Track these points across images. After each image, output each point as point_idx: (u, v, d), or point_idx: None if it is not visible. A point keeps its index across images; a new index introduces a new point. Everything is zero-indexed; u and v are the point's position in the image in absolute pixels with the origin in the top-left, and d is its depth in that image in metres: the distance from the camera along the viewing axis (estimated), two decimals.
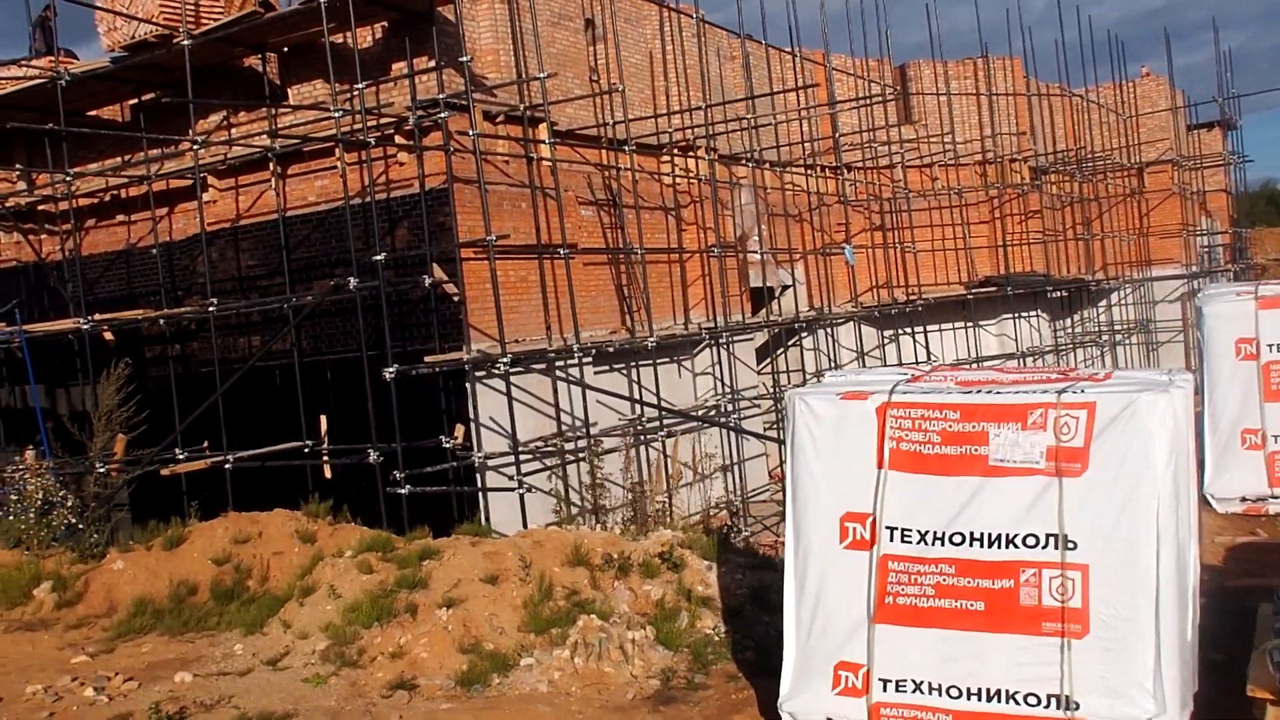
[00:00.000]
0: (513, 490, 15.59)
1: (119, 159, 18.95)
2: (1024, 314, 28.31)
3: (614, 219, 19.01)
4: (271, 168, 16.85)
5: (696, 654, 8.04)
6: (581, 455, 16.82)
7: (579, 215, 18.09)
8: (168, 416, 16.98)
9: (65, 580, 8.57)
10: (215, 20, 16.07)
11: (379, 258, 14.62)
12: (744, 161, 22.34)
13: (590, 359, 17.03)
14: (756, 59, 22.97)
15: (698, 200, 20.99)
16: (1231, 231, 37.78)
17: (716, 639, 8.35)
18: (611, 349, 17.65)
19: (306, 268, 16.81)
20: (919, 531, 6.58)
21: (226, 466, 15.60)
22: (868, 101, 24.52)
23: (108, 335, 18.61)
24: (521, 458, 16.15)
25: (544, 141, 16.89)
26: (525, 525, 15.67)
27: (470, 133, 15.09)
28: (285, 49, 17.08)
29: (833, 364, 24.53)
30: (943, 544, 6.52)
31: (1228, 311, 12.11)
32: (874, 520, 6.66)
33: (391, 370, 14.44)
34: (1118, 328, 32.45)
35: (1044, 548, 6.30)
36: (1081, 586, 6.22)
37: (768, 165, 22.54)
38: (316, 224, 16.71)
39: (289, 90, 17.22)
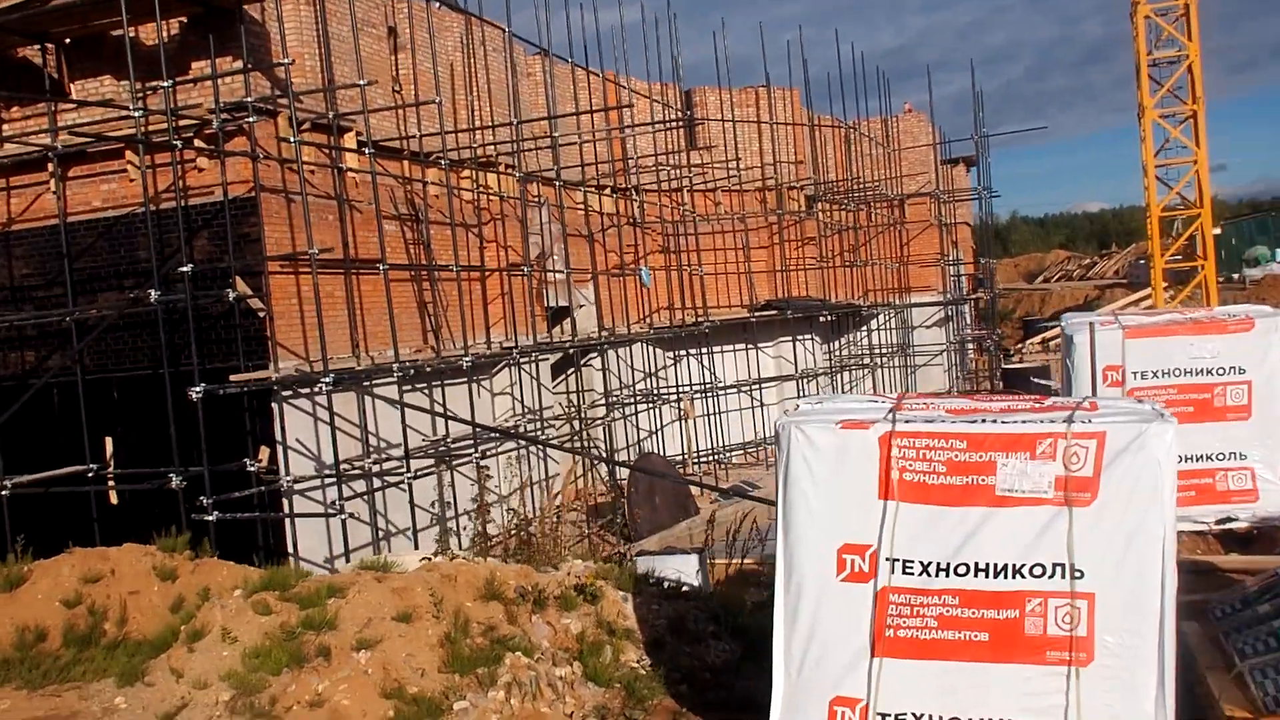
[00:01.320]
0: (323, 516, 14.89)
1: None
2: (799, 337, 29.24)
3: (417, 234, 18.47)
4: (51, 169, 15.50)
5: (630, 689, 7.67)
6: (390, 479, 16.23)
7: (388, 229, 17.46)
8: None
9: None
10: None
11: (186, 268, 13.66)
12: (543, 180, 22.17)
13: (403, 378, 16.47)
14: (555, 77, 22.87)
15: (498, 218, 20.69)
16: (978, 262, 40.35)
17: (643, 673, 8.00)
18: (429, 368, 17.16)
19: (91, 278, 15.53)
20: (921, 563, 6.45)
21: (3, 493, 14.19)
22: (664, 126, 24.80)
23: None
24: (327, 482, 15.46)
25: (356, 150, 16.27)
26: (342, 554, 14.98)
27: (291, 139, 14.40)
28: (68, 40, 15.78)
29: (623, 384, 24.63)
30: (947, 575, 6.41)
31: (1096, 340, 12.51)
32: (874, 552, 6.49)
33: (199, 389, 13.50)
34: (879, 351, 33.93)
35: (1050, 577, 6.29)
36: (1088, 615, 6.24)
37: (565, 184, 22.44)
38: (103, 231, 15.47)
39: (71, 86, 15.92)
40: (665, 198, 26.79)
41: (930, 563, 6.44)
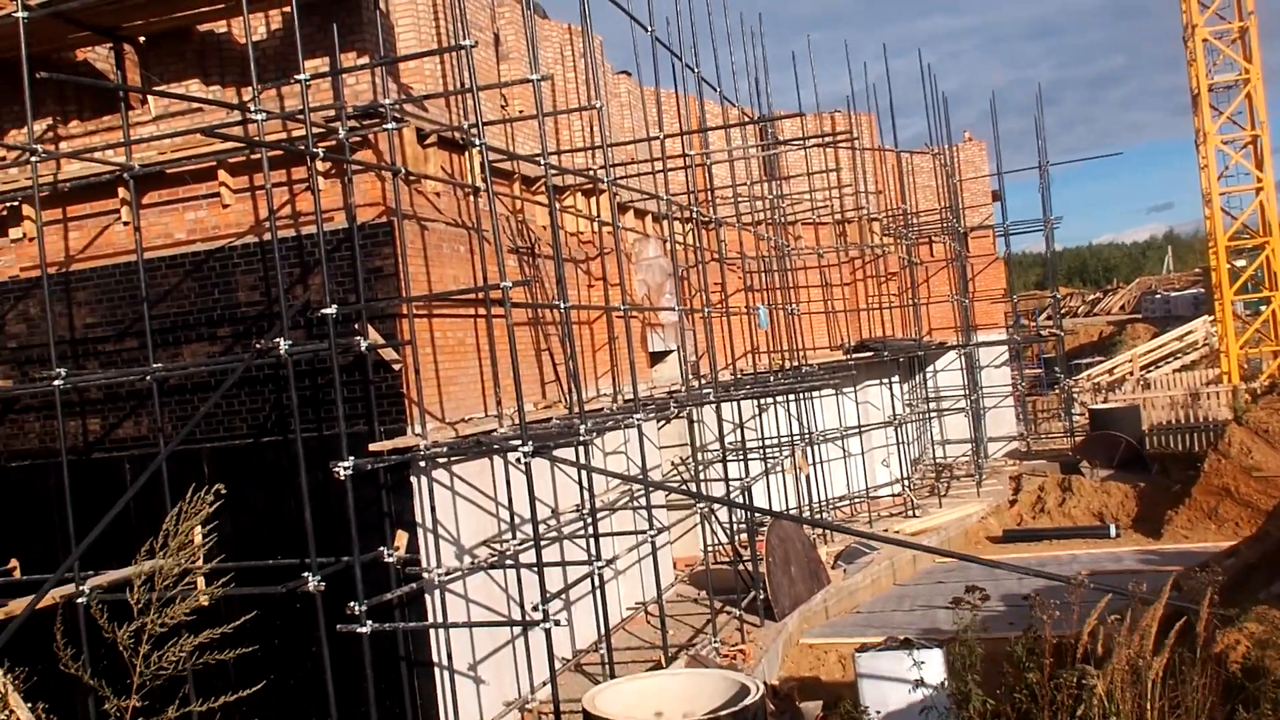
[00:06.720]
0: (508, 623, 12.03)
1: None
2: (885, 380, 26.76)
3: (533, 270, 15.76)
4: (124, 194, 12.64)
5: None
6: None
7: (507, 264, 14.73)
8: None
9: None
10: None
11: (330, 310, 10.83)
12: (638, 212, 19.60)
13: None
14: (637, 98, 20.39)
15: (608, 251, 18.00)
16: (1050, 296, 38.51)
17: None
18: (614, 423, 14.43)
19: (174, 327, 12.63)
20: None
21: (80, 600, 11.17)
22: (763, 150, 22.32)
23: None
24: (468, 569, 12.65)
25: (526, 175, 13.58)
26: (485, 657, 12.20)
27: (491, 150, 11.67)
28: (143, 38, 12.97)
29: (717, 436, 21.90)
30: None
31: None
32: None
33: (347, 464, 10.62)
34: (948, 393, 31.46)
35: None
36: None
37: (673, 216, 19.83)
38: (190, 269, 12.59)
39: (148, 94, 13.09)
40: (742, 231, 24.20)
41: None
